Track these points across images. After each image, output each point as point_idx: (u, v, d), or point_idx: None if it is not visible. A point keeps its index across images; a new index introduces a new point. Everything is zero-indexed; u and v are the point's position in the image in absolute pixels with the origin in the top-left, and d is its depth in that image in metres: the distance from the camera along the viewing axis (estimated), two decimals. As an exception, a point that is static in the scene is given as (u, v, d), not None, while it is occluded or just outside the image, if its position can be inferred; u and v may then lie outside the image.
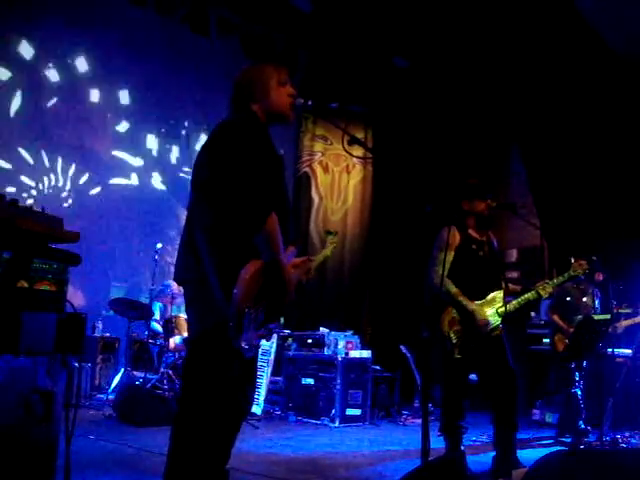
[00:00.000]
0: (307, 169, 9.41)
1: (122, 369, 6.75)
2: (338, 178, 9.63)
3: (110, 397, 6.37)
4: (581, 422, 5.70)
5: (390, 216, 9.24)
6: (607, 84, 7.69)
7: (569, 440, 5.70)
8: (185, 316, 6.79)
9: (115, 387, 6.55)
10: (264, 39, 8.26)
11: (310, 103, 2.70)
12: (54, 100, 7.42)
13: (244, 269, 2.31)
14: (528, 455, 4.36)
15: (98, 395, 6.63)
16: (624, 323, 6.31)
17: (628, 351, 6.33)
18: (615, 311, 6.06)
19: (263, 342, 2.59)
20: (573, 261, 4.35)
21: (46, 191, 7.29)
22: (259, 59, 7.87)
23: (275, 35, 8.31)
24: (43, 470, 2.51)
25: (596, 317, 5.56)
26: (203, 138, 8.46)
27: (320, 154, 9.48)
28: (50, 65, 7.34)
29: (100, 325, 7.14)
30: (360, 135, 9.34)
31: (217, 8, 8.05)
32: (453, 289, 4.11)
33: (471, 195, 4.33)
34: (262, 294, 2.37)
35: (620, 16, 6.95)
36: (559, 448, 5.49)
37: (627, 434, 5.76)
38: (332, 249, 3.79)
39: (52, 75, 7.39)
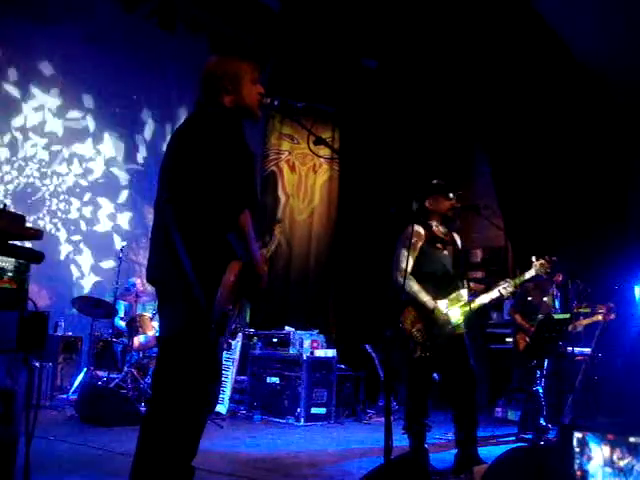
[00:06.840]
0: (274, 168, 9.36)
1: (85, 368, 6.65)
2: (305, 177, 9.62)
3: (72, 397, 6.28)
4: (542, 419, 5.81)
5: (356, 216, 9.26)
6: (570, 88, 7.84)
7: (530, 437, 5.81)
8: (150, 315, 6.74)
9: (77, 387, 6.45)
10: (232, 37, 8.20)
11: (277, 103, 2.71)
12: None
13: (228, 270, 2.30)
14: (490, 452, 4.43)
15: (59, 395, 6.50)
16: (583, 322, 6.44)
17: (587, 350, 6.46)
18: (574, 310, 6.19)
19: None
20: (534, 261, 4.44)
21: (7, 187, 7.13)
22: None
23: (243, 33, 8.26)
24: (1, 471, 2.47)
25: (556, 316, 5.67)
26: (167, 134, 8.37)
27: (287, 153, 9.44)
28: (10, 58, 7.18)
29: (62, 324, 7.01)
30: (327, 134, 9.34)
31: (185, 5, 7.98)
32: (415, 286, 4.15)
33: (435, 194, 4.39)
34: (240, 293, 2.38)
35: (585, 26, 7.09)
36: (520, 445, 5.59)
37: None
38: (279, 234, 3.83)
39: (12, 73, 7.23)
